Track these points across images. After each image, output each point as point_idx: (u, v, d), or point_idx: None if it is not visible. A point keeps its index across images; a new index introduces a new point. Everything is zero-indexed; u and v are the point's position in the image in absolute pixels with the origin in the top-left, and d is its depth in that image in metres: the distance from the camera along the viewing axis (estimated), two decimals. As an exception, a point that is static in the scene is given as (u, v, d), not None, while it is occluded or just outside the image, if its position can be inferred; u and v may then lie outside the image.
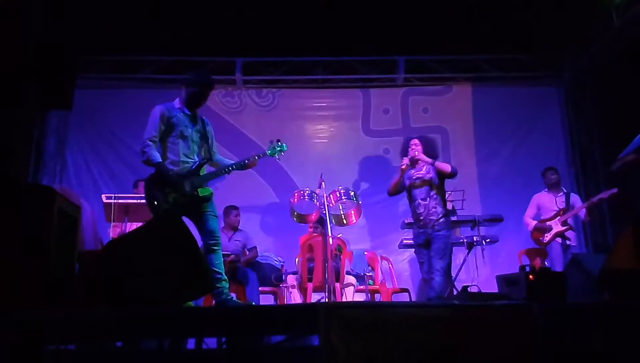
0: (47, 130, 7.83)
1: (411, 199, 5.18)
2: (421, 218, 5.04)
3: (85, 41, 7.24)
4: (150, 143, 4.21)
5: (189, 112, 4.36)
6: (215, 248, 4.19)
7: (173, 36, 7.26)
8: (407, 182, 5.20)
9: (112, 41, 7.36)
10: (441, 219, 4.98)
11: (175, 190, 4.11)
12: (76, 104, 7.67)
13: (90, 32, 6.99)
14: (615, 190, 6.08)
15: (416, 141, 5.26)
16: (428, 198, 5.04)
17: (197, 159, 4.30)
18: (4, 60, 5.06)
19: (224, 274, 4.21)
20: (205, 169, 4.35)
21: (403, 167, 5.13)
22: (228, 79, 8.21)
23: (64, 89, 7.34)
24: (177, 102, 4.39)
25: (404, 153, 5.26)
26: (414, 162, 5.19)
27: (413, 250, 6.48)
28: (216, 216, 4.30)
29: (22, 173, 6.91)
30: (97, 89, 8.00)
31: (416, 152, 5.16)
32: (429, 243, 4.99)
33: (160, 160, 4.17)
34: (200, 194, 4.21)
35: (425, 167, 5.17)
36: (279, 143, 4.67)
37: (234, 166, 4.43)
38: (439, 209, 5.02)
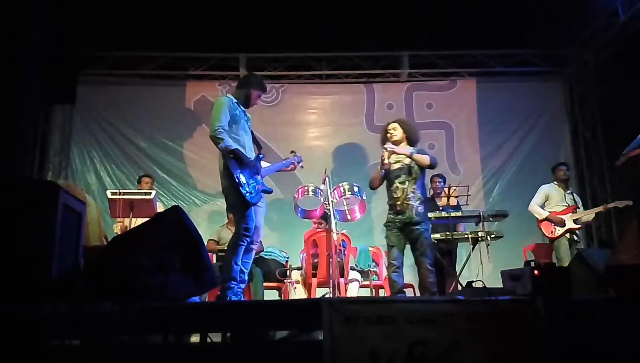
0: (52, 126, 7.85)
1: (389, 182, 4.84)
2: (398, 203, 4.70)
3: (88, 37, 7.24)
4: (222, 130, 4.10)
5: (243, 108, 4.43)
6: (252, 246, 4.26)
7: (176, 32, 7.26)
8: (386, 165, 4.84)
9: (115, 37, 7.36)
10: (420, 208, 4.67)
11: (253, 176, 4.20)
12: (80, 100, 7.65)
13: (94, 28, 6.98)
14: (630, 202, 6.05)
15: (394, 125, 4.96)
16: (407, 182, 4.71)
17: (255, 154, 4.41)
18: (8, 56, 5.06)
19: (246, 275, 4.23)
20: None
21: (385, 163, 4.80)
22: (232, 74, 8.21)
23: (67, 84, 7.34)
24: (233, 98, 4.39)
25: (383, 140, 4.99)
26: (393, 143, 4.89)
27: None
28: (264, 214, 4.44)
29: (26, 168, 6.92)
30: (100, 85, 8.02)
31: (394, 147, 4.84)
32: (408, 235, 4.71)
33: (236, 146, 4.14)
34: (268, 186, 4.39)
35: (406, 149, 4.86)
36: (295, 154, 4.94)
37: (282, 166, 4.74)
38: (418, 194, 4.70)
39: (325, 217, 5.48)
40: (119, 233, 5.91)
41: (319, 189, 5.30)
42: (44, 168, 7.64)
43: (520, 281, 3.14)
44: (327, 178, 5.20)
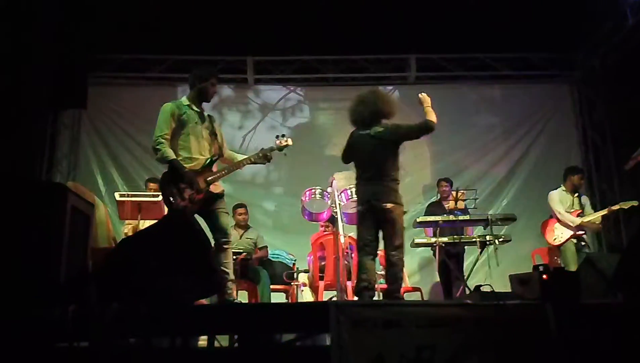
0: (60, 127, 7.88)
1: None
2: None
3: (96, 39, 7.27)
4: (162, 140, 4.19)
5: (197, 109, 4.37)
6: (225, 246, 4.19)
7: (184, 35, 7.28)
8: None
9: (123, 40, 7.39)
10: None
11: (190, 187, 4.12)
12: (88, 102, 7.69)
13: (102, 31, 7.01)
14: (635, 203, 5.97)
15: None
16: None
17: (208, 156, 4.31)
18: (18, 59, 5.10)
19: (231, 274, 4.22)
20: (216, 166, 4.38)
21: None
22: (239, 77, 8.23)
23: (78, 88, 7.37)
24: (184, 100, 4.41)
25: None
26: None
27: (425, 249, 6.47)
28: (227, 213, 4.33)
29: (35, 170, 6.96)
30: (108, 86, 8.04)
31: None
32: None
33: (175, 157, 4.16)
34: (214, 191, 4.24)
35: None
36: (284, 137, 4.68)
37: (244, 162, 4.47)
38: None
39: (333, 220, 5.47)
40: (130, 233, 5.92)
41: (327, 192, 5.30)
42: (52, 170, 7.67)
43: (529, 286, 3.13)
44: (334, 181, 5.20)
